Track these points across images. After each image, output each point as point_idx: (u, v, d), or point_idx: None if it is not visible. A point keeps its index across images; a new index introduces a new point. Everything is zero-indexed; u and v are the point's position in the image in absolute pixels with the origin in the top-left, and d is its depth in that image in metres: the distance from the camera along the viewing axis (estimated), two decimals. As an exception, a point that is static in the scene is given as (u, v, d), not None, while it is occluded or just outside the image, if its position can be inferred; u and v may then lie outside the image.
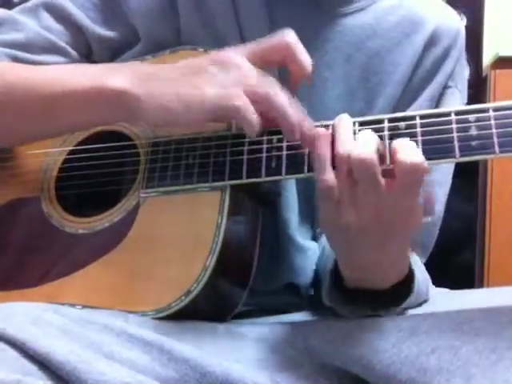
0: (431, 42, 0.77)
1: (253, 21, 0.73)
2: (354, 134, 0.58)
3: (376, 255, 0.58)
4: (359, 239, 0.57)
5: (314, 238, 0.78)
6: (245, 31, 0.73)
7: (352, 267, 0.62)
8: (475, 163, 1.86)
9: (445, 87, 0.78)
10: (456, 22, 0.80)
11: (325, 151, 0.57)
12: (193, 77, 0.60)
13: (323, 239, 0.76)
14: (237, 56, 0.61)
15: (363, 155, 0.53)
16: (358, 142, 0.55)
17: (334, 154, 0.56)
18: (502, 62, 1.84)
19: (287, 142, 0.62)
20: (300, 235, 0.74)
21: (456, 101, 0.79)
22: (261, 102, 0.59)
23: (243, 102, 0.58)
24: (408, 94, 0.76)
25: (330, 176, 0.56)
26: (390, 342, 0.57)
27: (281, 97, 0.58)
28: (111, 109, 0.62)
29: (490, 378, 0.51)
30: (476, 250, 1.86)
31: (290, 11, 0.74)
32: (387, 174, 0.55)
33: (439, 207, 0.77)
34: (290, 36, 0.62)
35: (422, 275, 0.68)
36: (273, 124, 0.61)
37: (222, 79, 0.59)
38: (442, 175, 0.77)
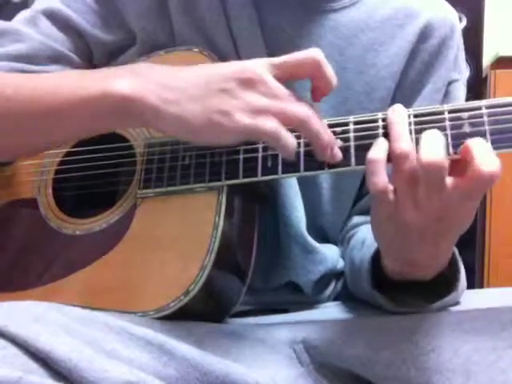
0: (425, 33, 0.77)
1: (242, 21, 0.73)
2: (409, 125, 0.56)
3: (429, 250, 0.58)
4: (416, 236, 0.56)
5: (326, 241, 0.78)
6: (235, 32, 0.73)
7: (398, 261, 0.61)
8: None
9: (452, 81, 0.78)
10: (450, 14, 0.80)
11: (381, 153, 0.55)
12: (220, 98, 0.57)
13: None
14: (262, 72, 0.58)
15: (435, 160, 0.51)
16: (426, 143, 0.52)
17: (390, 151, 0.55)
18: (502, 62, 1.84)
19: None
20: (307, 235, 0.74)
21: (462, 94, 0.80)
22: (294, 127, 0.58)
23: (276, 129, 0.56)
24: (407, 87, 0.76)
25: (381, 179, 0.54)
26: (390, 341, 0.57)
27: (315, 122, 0.57)
28: (117, 115, 0.60)
29: (489, 377, 0.51)
30: (476, 250, 1.86)
31: (279, 10, 0.74)
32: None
33: None
34: (318, 53, 0.60)
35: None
36: None
37: (252, 104, 0.57)
38: None
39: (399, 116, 0.56)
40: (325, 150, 0.58)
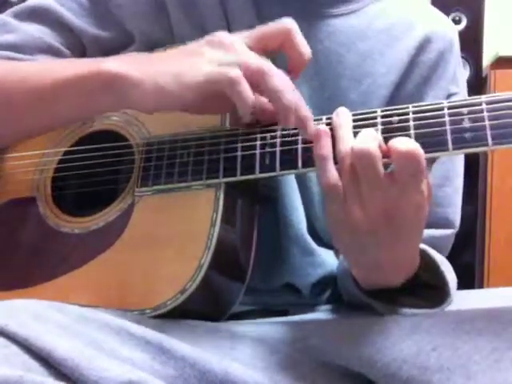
0: (423, 46, 0.77)
1: (241, 21, 0.73)
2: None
3: (386, 254, 0.59)
4: (369, 239, 0.57)
5: (324, 244, 0.78)
6: (234, 33, 0.73)
7: (361, 267, 0.63)
8: (475, 164, 1.86)
9: (451, 94, 0.78)
10: (449, 28, 0.80)
11: (326, 149, 0.57)
12: (189, 57, 0.60)
13: None
14: (233, 37, 0.61)
15: (364, 147, 0.54)
16: (359, 136, 0.55)
17: (335, 151, 0.57)
18: (502, 62, 1.84)
19: (282, 131, 0.62)
20: (307, 238, 0.74)
21: None
22: (256, 82, 0.58)
23: (237, 76, 0.57)
24: (405, 99, 0.75)
25: (332, 174, 0.56)
26: (391, 340, 0.57)
27: (277, 77, 0.58)
28: (105, 93, 0.62)
29: (490, 377, 0.51)
30: (476, 250, 1.86)
31: (279, 12, 0.74)
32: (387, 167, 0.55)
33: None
34: (289, 22, 0.62)
35: (451, 275, 0.68)
36: (268, 115, 0.62)
37: (219, 57, 0.59)
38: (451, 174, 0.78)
39: (343, 119, 0.58)
40: (287, 110, 0.58)
